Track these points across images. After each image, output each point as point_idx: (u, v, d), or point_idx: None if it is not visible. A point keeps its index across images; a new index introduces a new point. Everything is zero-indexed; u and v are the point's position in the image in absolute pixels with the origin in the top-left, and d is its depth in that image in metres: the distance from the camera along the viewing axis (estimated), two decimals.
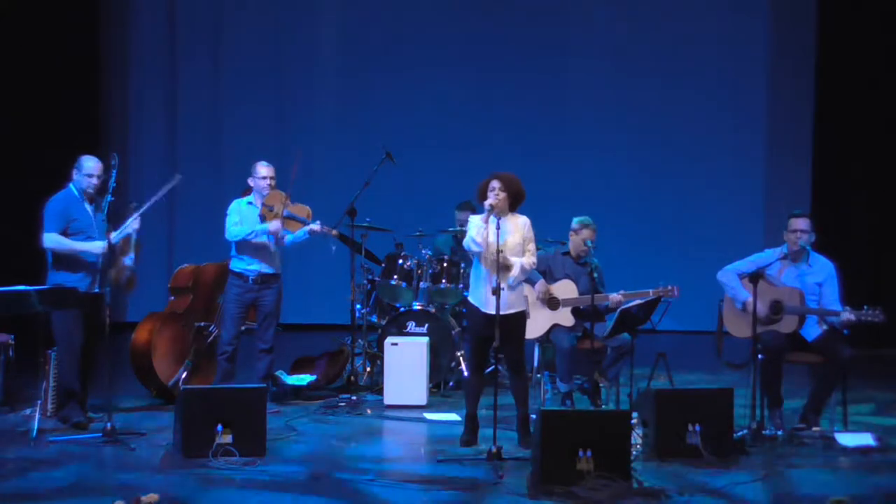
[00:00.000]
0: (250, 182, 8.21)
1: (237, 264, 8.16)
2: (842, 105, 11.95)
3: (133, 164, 12.14)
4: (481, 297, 7.06)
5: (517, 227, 7.10)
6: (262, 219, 8.06)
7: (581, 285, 8.02)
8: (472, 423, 7.27)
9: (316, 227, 8.12)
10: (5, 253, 10.56)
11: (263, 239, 8.08)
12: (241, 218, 8.11)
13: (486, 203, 7.00)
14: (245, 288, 8.13)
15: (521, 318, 7.16)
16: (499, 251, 6.84)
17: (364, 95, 12.72)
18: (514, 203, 7.12)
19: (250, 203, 8.18)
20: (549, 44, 12.70)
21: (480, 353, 7.24)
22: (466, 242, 7.07)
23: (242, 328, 8.22)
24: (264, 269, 8.13)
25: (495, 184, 7.06)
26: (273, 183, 8.14)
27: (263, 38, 12.76)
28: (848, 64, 11.92)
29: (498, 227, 6.86)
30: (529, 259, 7.12)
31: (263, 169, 8.16)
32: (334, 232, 8.28)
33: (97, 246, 7.34)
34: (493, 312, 6.80)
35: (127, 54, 12.70)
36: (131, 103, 12.77)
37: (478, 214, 7.11)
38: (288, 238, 8.22)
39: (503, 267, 6.91)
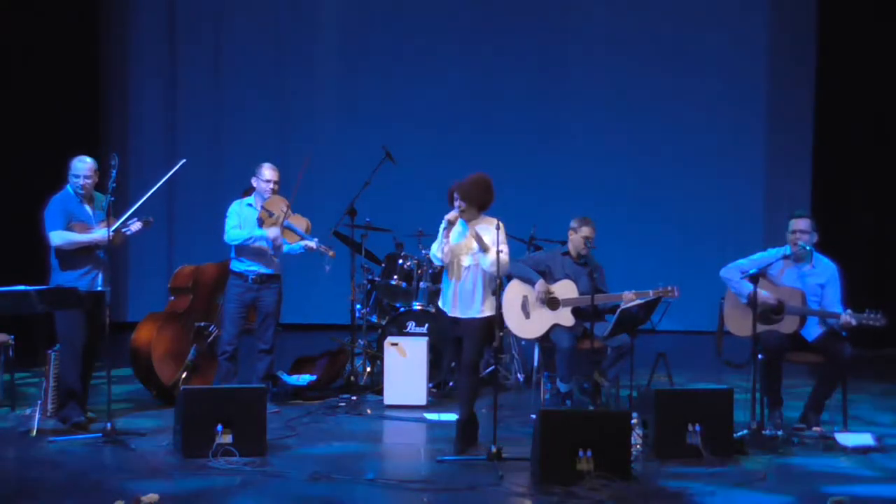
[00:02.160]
0: (253, 182, 8.15)
1: (237, 265, 8.15)
2: (843, 104, 11.92)
3: (133, 164, 12.13)
4: (447, 301, 7.11)
5: (486, 230, 6.98)
6: (260, 222, 8.00)
7: (581, 285, 8.01)
8: (462, 430, 7.06)
9: (313, 244, 8.07)
10: (5, 253, 10.56)
11: (263, 244, 8.06)
12: (241, 220, 8.07)
13: (446, 217, 7.00)
14: (245, 287, 8.12)
15: (481, 323, 7.02)
16: (495, 245, 6.90)
17: (364, 95, 12.71)
18: (481, 208, 7.07)
19: (250, 205, 8.13)
20: (549, 43, 12.69)
21: (455, 354, 7.26)
22: (431, 255, 7.17)
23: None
24: (263, 269, 8.12)
25: (455, 195, 7.03)
26: (277, 188, 8.08)
27: (263, 39, 12.75)
28: (849, 63, 11.89)
29: (447, 228, 6.96)
30: (504, 257, 6.97)
31: (269, 172, 8.08)
32: (331, 252, 8.13)
33: (101, 234, 7.35)
34: (456, 315, 6.99)
35: (127, 54, 12.69)
36: (131, 103, 12.76)
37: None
38: (284, 248, 8.17)
39: (478, 241, 6.93)
